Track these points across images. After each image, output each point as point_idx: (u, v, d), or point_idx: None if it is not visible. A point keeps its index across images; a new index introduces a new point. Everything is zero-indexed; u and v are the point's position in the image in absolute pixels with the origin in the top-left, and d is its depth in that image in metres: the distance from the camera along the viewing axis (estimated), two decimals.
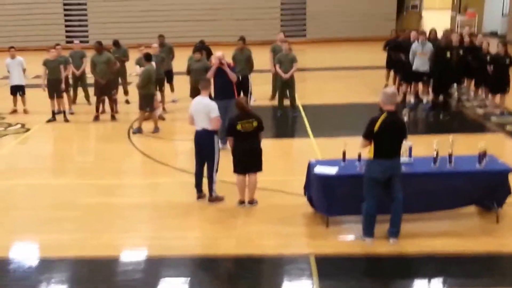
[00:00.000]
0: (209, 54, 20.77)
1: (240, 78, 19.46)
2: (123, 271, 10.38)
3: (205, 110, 12.64)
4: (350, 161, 11.73)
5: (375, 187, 10.65)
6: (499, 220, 11.62)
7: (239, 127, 12.24)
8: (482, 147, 11.76)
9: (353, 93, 23.19)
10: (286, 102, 20.26)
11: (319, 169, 11.59)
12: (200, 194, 13.04)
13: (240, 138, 12.36)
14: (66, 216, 12.39)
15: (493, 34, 33.55)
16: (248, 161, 12.46)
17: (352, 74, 27.50)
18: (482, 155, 11.70)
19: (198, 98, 13.02)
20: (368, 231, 10.84)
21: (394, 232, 10.84)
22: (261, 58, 21.70)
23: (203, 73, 18.52)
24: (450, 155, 11.64)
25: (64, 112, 20.08)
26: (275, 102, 20.85)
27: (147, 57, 18.59)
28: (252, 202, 12.63)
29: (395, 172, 10.67)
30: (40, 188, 14.19)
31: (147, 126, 18.53)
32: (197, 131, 12.82)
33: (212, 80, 15.10)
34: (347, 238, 11.13)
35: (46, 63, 19.91)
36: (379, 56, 26.21)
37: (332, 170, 11.51)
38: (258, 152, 12.52)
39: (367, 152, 10.68)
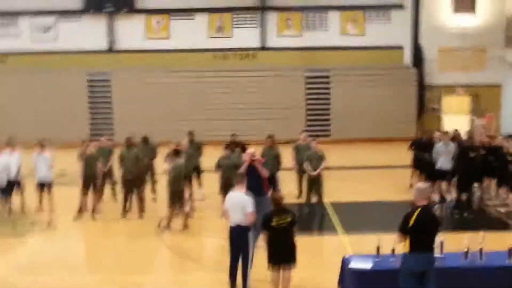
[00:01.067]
0: (243, 149, 21.07)
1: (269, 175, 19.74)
2: None
3: (241, 205, 12.81)
4: (384, 256, 11.92)
5: (410, 281, 10.76)
6: None
7: (274, 223, 12.36)
8: None
9: (380, 191, 23.21)
10: (313, 199, 20.28)
11: (354, 264, 11.74)
12: None
13: (274, 234, 12.47)
14: None
15: (511, 136, 33.76)
16: (282, 256, 12.54)
17: (377, 173, 27.62)
18: None
19: (234, 193, 13.17)
20: None
21: None
22: (287, 157, 21.89)
23: (233, 169, 18.80)
24: (481, 250, 11.81)
25: (93, 210, 20.05)
26: (302, 199, 21.03)
27: (177, 153, 18.85)
28: None
29: (430, 266, 10.83)
30: (66, 285, 14.25)
31: (176, 223, 18.60)
32: (231, 227, 12.91)
33: None
34: None
35: (85, 158, 19.97)
36: (402, 155, 26.45)
37: (367, 265, 11.67)
38: (292, 246, 12.60)
39: (402, 247, 10.83)
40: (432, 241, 10.93)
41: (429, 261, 10.83)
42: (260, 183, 16.43)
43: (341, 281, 12.32)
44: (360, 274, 11.60)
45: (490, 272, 11.73)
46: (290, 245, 12.57)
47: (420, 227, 10.65)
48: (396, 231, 10.99)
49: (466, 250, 11.88)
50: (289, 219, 12.49)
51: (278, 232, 12.43)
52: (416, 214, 10.71)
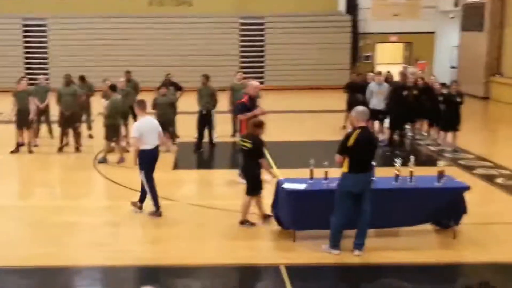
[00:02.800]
0: (177, 88, 21.26)
1: (205, 112, 19.91)
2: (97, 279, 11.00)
3: (157, 129, 13.77)
4: (317, 178, 12.25)
5: (346, 201, 11.09)
6: (456, 236, 12.19)
7: (240, 142, 13.14)
8: (440, 166, 12.40)
9: (314, 132, 23.37)
10: None
11: (288, 185, 12.06)
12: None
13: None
14: (36, 232, 12.89)
15: (443, 85, 34.42)
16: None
17: (310, 116, 27.95)
18: (440, 174, 12.32)
19: (147, 119, 13.81)
20: (336, 243, 11.27)
21: (360, 244, 11.29)
22: (222, 102, 21.91)
23: (168, 107, 19.15)
24: (410, 173, 12.24)
25: (29, 144, 20.04)
26: (236, 139, 21.22)
27: (113, 88, 18.96)
28: (242, 223, 12.94)
29: (367, 186, 11.20)
30: (6, 209, 14.45)
31: (112, 156, 18.80)
32: (152, 149, 13.57)
33: None
34: (314, 250, 11.52)
35: (15, 94, 19.88)
36: (335, 101, 27.03)
37: (300, 186, 12.01)
38: (248, 174, 13.02)
39: (342, 167, 11.11)
40: (370, 162, 11.27)
41: (366, 181, 11.16)
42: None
43: (274, 204, 12.58)
44: (293, 194, 11.87)
45: (418, 193, 12.13)
46: (247, 172, 13.08)
47: (359, 147, 10.91)
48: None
49: (396, 173, 12.26)
50: (248, 145, 12.81)
51: (243, 155, 13.16)
52: (355, 134, 10.98)
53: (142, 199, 13.85)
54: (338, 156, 11.12)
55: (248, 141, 12.84)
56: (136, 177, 17.40)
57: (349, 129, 11.49)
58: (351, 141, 10.92)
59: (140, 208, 13.83)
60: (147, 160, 13.54)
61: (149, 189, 13.61)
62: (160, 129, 13.83)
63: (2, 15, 38.26)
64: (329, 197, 11.40)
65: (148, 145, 13.46)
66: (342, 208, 11.10)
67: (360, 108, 11.52)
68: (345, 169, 11.04)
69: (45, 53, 38.86)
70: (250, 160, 12.89)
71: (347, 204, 11.08)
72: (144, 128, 13.48)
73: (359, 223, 11.25)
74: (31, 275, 10.82)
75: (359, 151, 10.94)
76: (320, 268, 10.95)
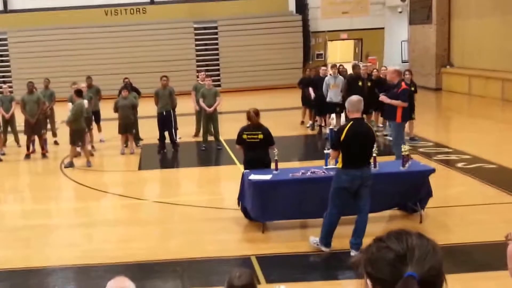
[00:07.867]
0: (137, 92, 21.50)
1: (165, 113, 20.22)
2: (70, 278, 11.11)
3: None
4: (282, 169, 12.46)
5: (341, 197, 10.57)
6: (422, 220, 12.24)
7: (248, 135, 12.89)
8: (405, 151, 12.56)
9: (272, 129, 23.58)
10: (210, 137, 20.75)
11: (253, 177, 12.11)
12: None
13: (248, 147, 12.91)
14: (7, 236, 12.94)
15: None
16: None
17: (268, 114, 28.18)
18: (405, 158, 12.45)
19: None
20: (328, 241, 10.85)
21: (358, 244, 10.56)
22: (180, 104, 22.25)
23: (130, 110, 19.46)
24: (374, 159, 12.10)
25: None
26: (199, 138, 21.59)
27: (78, 93, 19.06)
28: None
29: (365, 182, 10.53)
30: None
31: (78, 161, 19.02)
32: None
33: None
34: (283, 240, 11.75)
35: None
36: (290, 100, 27.47)
37: (266, 177, 12.11)
38: (264, 164, 12.81)
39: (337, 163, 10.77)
40: (367, 156, 10.73)
41: (363, 177, 10.48)
42: None
43: (240, 196, 12.64)
44: (259, 185, 11.89)
45: (383, 179, 11.98)
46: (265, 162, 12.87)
47: (352, 141, 10.24)
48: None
49: None
50: (261, 136, 12.96)
51: (251, 147, 12.89)
52: (348, 126, 10.36)
53: None
54: (332, 150, 10.72)
55: (258, 132, 12.96)
56: (103, 179, 17.89)
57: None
58: (343, 134, 10.27)
59: None
60: None
61: None
62: None
63: None
64: (295, 187, 11.73)
65: None
66: (335, 205, 10.61)
67: (354, 98, 10.69)
68: (339, 164, 10.51)
69: (8, 66, 39.29)
70: (261, 150, 12.88)
71: (341, 201, 10.58)
72: None
73: (357, 221, 10.73)
74: (4, 278, 10.79)
75: (352, 145, 10.27)
76: (291, 257, 10.97)
